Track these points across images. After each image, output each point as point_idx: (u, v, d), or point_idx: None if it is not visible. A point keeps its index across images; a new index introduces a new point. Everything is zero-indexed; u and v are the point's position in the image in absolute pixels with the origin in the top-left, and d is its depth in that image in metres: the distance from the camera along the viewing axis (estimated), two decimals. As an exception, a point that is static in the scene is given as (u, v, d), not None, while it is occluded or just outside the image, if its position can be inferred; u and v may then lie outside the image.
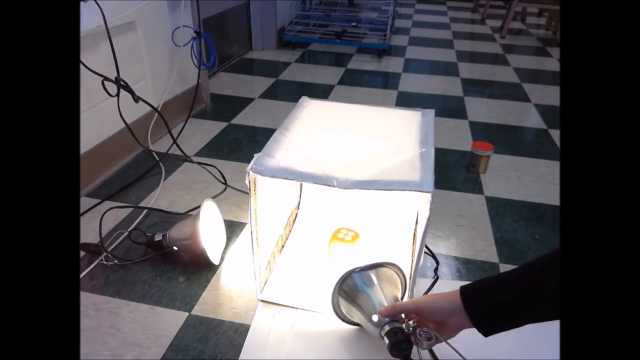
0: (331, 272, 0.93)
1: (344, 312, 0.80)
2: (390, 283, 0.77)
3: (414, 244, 0.89)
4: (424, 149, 0.82)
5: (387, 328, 0.68)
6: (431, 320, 0.68)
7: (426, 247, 1.03)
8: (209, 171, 1.35)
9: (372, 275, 0.76)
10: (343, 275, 0.76)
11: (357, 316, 0.76)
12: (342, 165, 0.76)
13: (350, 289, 0.76)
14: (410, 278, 0.81)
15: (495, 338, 0.64)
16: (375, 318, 0.70)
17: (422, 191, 0.70)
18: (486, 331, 0.63)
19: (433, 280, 0.95)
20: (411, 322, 0.68)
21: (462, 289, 0.65)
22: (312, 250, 1.00)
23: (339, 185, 0.71)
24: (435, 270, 0.99)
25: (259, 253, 0.85)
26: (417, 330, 0.66)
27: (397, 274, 0.79)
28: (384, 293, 0.74)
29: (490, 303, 0.64)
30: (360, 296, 0.75)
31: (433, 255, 1.03)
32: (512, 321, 0.63)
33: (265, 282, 0.91)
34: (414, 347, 0.67)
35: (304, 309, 0.86)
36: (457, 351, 0.65)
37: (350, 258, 0.97)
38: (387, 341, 0.67)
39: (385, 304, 0.71)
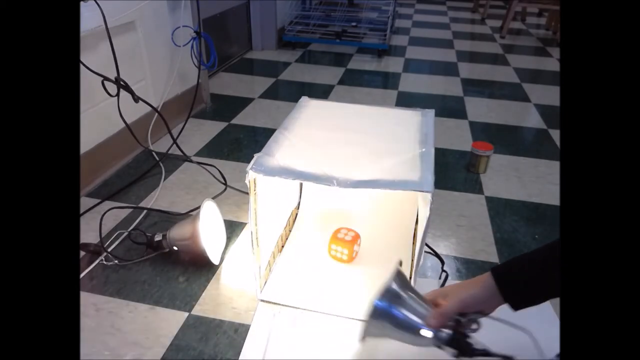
0: (331, 272, 0.94)
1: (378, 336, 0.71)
2: (408, 286, 0.70)
3: (414, 244, 0.89)
4: (424, 149, 0.82)
5: (444, 338, 0.64)
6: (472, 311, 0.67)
7: (429, 247, 1.03)
8: (209, 171, 1.35)
9: (395, 288, 0.67)
10: (369, 313, 0.66)
11: (398, 338, 0.68)
12: (342, 165, 0.77)
13: (381, 322, 0.67)
14: (410, 278, 0.81)
15: (493, 336, 0.64)
16: (426, 334, 0.65)
17: (422, 191, 0.70)
18: (518, 305, 0.64)
19: (443, 280, 0.95)
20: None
21: (495, 273, 0.65)
22: (312, 250, 1.00)
23: (339, 185, 0.71)
24: (442, 268, 0.99)
25: (259, 253, 0.85)
26: (462, 322, 0.65)
27: (399, 264, 0.75)
28: (416, 300, 0.67)
29: (523, 280, 0.64)
30: (396, 321, 0.66)
31: (437, 255, 1.02)
32: (543, 296, 0.64)
33: (265, 282, 0.91)
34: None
35: (304, 309, 0.86)
36: (505, 321, 0.65)
37: (349, 258, 0.97)
38: (452, 350, 0.64)
39: (422, 311, 0.66)
